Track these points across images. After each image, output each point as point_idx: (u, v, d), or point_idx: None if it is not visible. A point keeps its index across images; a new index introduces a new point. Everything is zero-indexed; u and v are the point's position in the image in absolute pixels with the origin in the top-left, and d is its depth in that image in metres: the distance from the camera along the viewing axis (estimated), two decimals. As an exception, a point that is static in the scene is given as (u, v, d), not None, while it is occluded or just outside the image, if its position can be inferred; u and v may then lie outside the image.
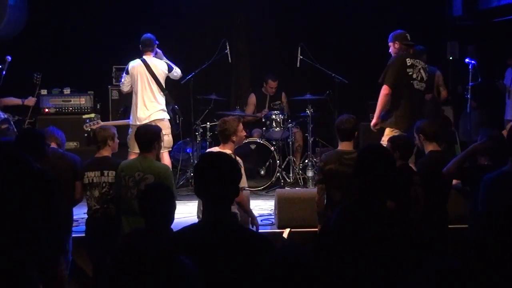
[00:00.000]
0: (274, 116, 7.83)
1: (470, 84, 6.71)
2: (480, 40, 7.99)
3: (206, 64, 7.79)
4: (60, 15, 8.55)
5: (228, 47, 7.80)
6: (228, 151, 4.73)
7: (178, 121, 7.11)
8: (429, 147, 4.79)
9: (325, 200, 4.64)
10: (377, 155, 2.97)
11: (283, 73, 8.80)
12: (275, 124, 7.82)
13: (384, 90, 5.87)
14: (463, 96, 7.42)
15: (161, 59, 6.94)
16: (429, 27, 8.69)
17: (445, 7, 8.62)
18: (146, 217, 3.29)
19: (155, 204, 3.25)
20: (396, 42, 6.05)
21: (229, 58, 7.89)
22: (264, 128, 7.96)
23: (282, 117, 7.81)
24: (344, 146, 4.72)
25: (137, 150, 6.60)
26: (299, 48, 7.79)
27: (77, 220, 5.97)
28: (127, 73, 6.91)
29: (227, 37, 7.96)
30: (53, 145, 5.05)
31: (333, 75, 7.71)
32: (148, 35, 6.85)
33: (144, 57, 6.88)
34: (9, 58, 6.86)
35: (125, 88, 6.93)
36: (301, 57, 7.79)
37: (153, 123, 6.60)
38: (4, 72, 6.82)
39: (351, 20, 8.76)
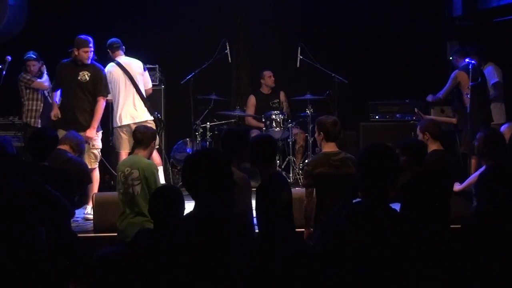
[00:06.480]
0: (274, 116, 7.81)
1: (470, 84, 6.69)
2: (480, 40, 7.97)
3: (206, 64, 7.79)
4: (60, 15, 8.53)
5: (228, 47, 7.80)
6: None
7: (159, 131, 6.81)
8: (433, 146, 4.81)
9: (315, 203, 4.62)
10: (381, 155, 2.94)
11: (283, 73, 8.79)
12: (275, 124, 7.80)
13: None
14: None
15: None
16: (429, 27, 8.69)
17: (444, 7, 8.62)
18: (155, 218, 3.41)
19: (163, 205, 3.36)
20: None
21: (229, 58, 7.90)
22: (264, 128, 7.95)
23: (282, 117, 7.80)
24: (329, 147, 4.66)
25: (127, 150, 6.60)
26: (299, 48, 7.80)
27: (77, 220, 6.00)
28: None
29: (227, 37, 7.96)
30: (66, 148, 5.08)
31: (333, 75, 7.71)
32: (113, 39, 6.97)
33: (117, 59, 6.87)
34: (9, 58, 6.84)
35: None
36: (301, 57, 7.80)
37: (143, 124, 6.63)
38: (4, 72, 6.80)
39: (351, 20, 8.76)
